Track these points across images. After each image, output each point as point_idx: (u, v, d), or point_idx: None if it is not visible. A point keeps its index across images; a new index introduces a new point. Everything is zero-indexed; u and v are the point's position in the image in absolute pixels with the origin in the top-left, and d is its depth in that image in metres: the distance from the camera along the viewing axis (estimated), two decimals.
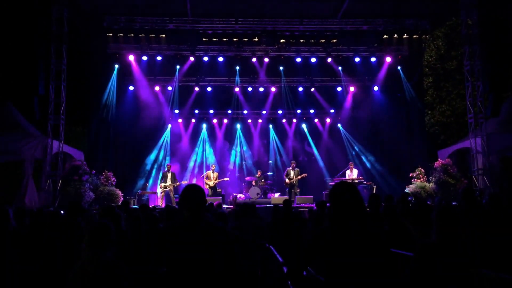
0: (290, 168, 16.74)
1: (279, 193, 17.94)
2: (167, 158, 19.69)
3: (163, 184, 16.00)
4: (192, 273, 3.14)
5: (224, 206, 13.05)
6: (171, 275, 3.18)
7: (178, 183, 16.34)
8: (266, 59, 18.38)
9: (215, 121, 20.89)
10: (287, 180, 16.45)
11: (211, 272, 3.16)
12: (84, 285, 3.39)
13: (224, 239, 3.31)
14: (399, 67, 18.65)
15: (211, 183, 16.65)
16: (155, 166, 19.29)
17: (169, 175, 16.19)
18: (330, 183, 17.23)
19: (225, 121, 20.86)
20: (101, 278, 3.41)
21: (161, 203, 15.59)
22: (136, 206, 14.35)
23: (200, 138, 20.71)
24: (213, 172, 16.97)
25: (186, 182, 17.09)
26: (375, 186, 16.09)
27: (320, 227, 3.15)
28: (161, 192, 16.01)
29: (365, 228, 2.98)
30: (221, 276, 3.18)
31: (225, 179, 17.57)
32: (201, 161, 20.42)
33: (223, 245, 3.27)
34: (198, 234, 3.26)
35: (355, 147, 20.28)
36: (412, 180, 15.96)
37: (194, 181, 19.41)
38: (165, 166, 17.17)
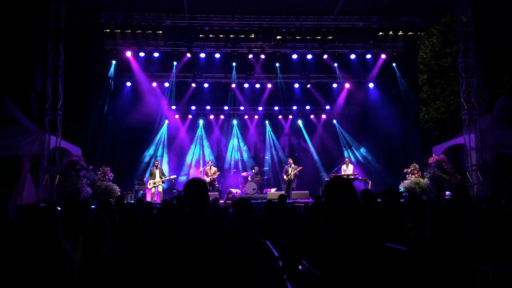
0: (288, 165, 16.98)
1: (275, 188, 18.08)
2: (163, 153, 19.79)
3: (152, 181, 16.08)
4: (192, 268, 3.14)
5: (220, 201, 13.16)
6: (171, 271, 3.17)
7: (167, 178, 16.40)
8: (263, 56, 18.45)
9: (211, 117, 20.97)
10: (285, 177, 16.68)
11: (211, 268, 3.16)
12: (80, 280, 3.40)
13: (223, 235, 3.31)
14: (394, 64, 18.76)
15: (208, 179, 16.77)
16: (152, 162, 19.32)
17: (157, 172, 16.26)
18: (326, 179, 17.37)
19: (222, 117, 20.97)
20: (97, 273, 3.43)
21: (151, 199, 15.65)
22: (133, 201, 14.48)
23: (197, 134, 20.80)
24: (210, 168, 17.06)
25: (174, 176, 17.20)
26: (370, 182, 16.22)
27: (315, 221, 3.21)
28: (151, 189, 16.08)
29: (359, 222, 3.01)
30: (220, 271, 3.18)
31: (217, 172, 17.63)
32: (198, 156, 20.52)
33: (222, 241, 3.27)
34: (199, 229, 3.23)
35: (350, 143, 20.42)
36: (407, 176, 16.09)
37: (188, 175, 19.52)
38: (153, 163, 17.14)
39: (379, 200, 7.67)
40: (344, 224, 3.00)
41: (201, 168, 18.17)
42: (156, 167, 16.41)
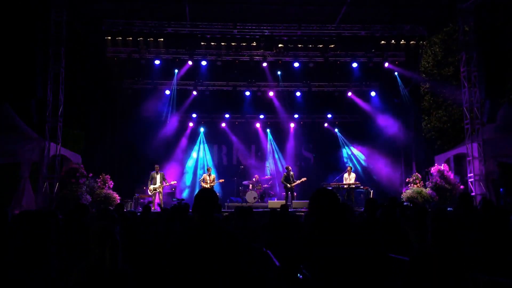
0: (286, 172, 16.65)
1: (276, 197, 17.97)
2: (163, 160, 19.69)
3: (152, 186, 15.93)
4: (202, 276, 3.13)
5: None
6: (182, 278, 3.15)
7: (167, 184, 16.27)
8: (264, 64, 18.43)
9: (213, 124, 20.93)
10: (288, 185, 16.29)
11: (220, 276, 3.15)
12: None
13: (234, 243, 3.31)
14: (396, 73, 18.73)
15: (207, 186, 16.57)
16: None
17: (158, 176, 16.10)
18: (329, 188, 17.23)
19: (223, 124, 20.91)
20: (106, 281, 3.35)
21: (153, 207, 15.53)
22: (133, 210, 14.40)
23: (197, 141, 20.76)
24: (209, 175, 16.84)
25: (175, 182, 17.09)
26: (371, 191, 16.11)
27: (310, 230, 3.18)
28: (152, 194, 15.95)
29: (348, 231, 3.05)
30: (228, 280, 3.18)
31: (220, 180, 17.52)
32: (198, 164, 20.43)
33: (232, 249, 3.27)
34: (209, 238, 3.25)
35: (352, 152, 20.34)
36: (409, 185, 16.00)
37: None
38: (154, 167, 16.83)
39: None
40: (333, 234, 3.01)
41: (201, 177, 18.01)
42: (157, 171, 16.26)
